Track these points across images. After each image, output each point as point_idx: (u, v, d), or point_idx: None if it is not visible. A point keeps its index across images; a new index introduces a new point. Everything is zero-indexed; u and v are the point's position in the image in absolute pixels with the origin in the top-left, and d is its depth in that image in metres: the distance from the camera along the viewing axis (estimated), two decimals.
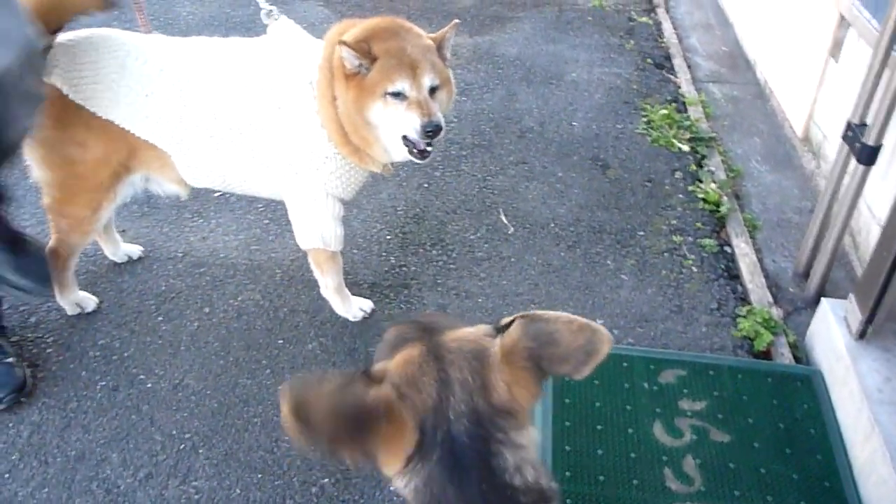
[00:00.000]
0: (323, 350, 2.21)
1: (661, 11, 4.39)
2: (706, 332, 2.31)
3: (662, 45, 4.02)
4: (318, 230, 2.10)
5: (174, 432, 1.98)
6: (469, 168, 2.97)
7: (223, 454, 1.92)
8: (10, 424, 1.99)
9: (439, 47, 1.92)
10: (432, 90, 1.87)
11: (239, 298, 2.37)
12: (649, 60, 3.84)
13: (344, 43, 1.79)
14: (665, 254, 2.60)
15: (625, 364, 2.16)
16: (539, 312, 0.97)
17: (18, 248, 2.15)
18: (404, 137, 1.88)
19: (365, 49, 1.80)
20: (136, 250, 2.51)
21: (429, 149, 1.91)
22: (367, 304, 2.34)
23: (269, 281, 2.44)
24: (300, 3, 4.25)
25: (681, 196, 2.87)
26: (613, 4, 4.44)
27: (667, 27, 4.21)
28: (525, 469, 0.92)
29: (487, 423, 0.91)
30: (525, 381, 0.94)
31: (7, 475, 1.87)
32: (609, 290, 2.45)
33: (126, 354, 2.18)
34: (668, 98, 3.51)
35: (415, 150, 1.90)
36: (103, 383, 2.10)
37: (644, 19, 4.29)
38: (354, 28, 1.88)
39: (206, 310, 2.33)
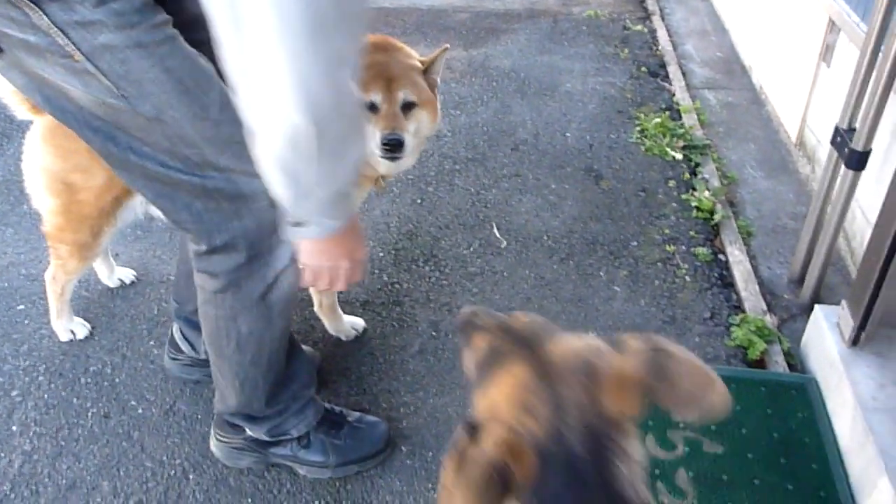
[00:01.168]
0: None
1: (656, 19, 4.39)
2: (699, 342, 2.29)
3: (657, 52, 4.01)
4: None
5: (165, 458, 1.97)
6: (462, 182, 2.97)
7: (213, 480, 1.92)
8: (2, 454, 1.99)
9: (427, 70, 1.90)
10: (408, 106, 1.85)
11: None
12: (644, 69, 3.83)
13: None
14: (658, 264, 2.58)
15: None
16: (667, 346, 0.93)
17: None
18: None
19: None
20: (128, 274, 2.52)
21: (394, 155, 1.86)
22: (360, 323, 2.33)
23: None
24: None
25: (674, 205, 2.86)
26: (608, 13, 4.44)
27: (662, 35, 4.20)
28: (637, 484, 0.89)
29: (601, 436, 0.89)
30: (629, 402, 0.91)
31: None
32: (602, 301, 2.43)
33: (117, 380, 2.19)
34: (663, 106, 3.50)
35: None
36: (94, 410, 2.10)
37: (639, 27, 4.28)
38: None
39: None
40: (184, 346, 2.13)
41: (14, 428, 2.06)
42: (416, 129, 1.89)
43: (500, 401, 0.91)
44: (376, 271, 2.56)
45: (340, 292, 2.37)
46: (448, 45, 2.00)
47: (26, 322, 2.37)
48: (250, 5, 0.94)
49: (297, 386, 1.85)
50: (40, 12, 1.20)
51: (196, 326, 2.03)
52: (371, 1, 4.53)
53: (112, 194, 2.02)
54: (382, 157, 1.85)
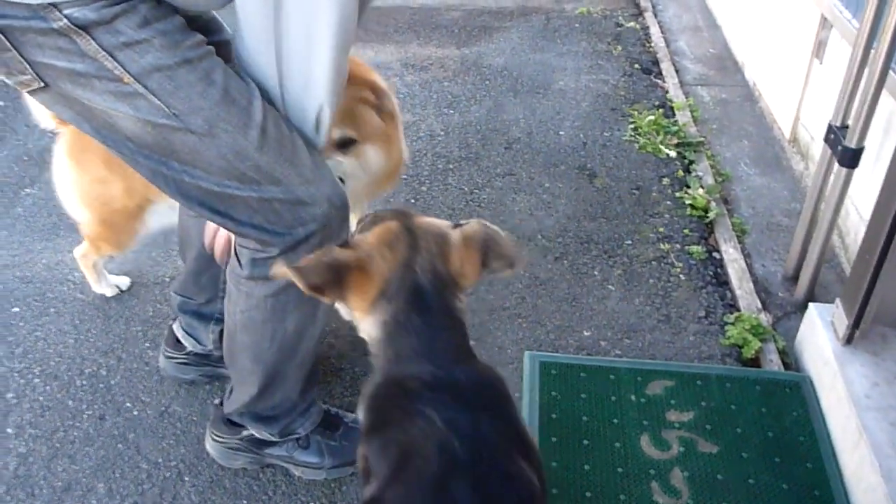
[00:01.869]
0: None
1: (648, 16, 4.39)
2: (694, 340, 2.29)
3: (650, 49, 4.02)
4: None
5: (160, 460, 1.97)
6: (456, 182, 2.97)
7: (209, 481, 1.92)
8: None
9: (378, 100, 1.79)
10: (347, 143, 1.74)
11: None
12: (637, 66, 3.83)
13: None
14: (652, 262, 2.59)
15: (612, 377, 2.14)
16: (491, 226, 1.29)
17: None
18: None
19: None
20: (124, 281, 2.51)
21: None
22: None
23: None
24: None
25: (668, 203, 2.86)
26: (601, 10, 4.44)
27: (654, 31, 4.20)
28: (465, 315, 1.27)
29: (445, 279, 1.22)
30: (473, 262, 1.24)
31: None
32: (596, 301, 2.44)
33: (113, 382, 2.18)
34: (656, 103, 3.50)
35: None
36: (90, 412, 2.10)
37: (631, 24, 4.28)
38: None
39: None
40: (187, 342, 2.13)
41: (9, 430, 2.05)
42: (355, 168, 1.77)
43: (370, 238, 1.25)
44: None
45: None
46: (396, 82, 1.94)
47: (21, 324, 2.37)
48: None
49: (309, 384, 1.85)
50: (88, 37, 1.22)
51: (205, 318, 2.08)
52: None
53: (135, 201, 2.09)
54: None
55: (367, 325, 1.25)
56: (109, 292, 2.46)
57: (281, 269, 1.18)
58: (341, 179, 1.75)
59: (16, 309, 2.43)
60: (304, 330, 1.68)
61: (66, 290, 2.49)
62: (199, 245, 1.96)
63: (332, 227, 1.52)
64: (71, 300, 2.45)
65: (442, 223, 1.29)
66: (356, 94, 1.75)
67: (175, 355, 2.16)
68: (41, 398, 2.14)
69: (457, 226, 1.28)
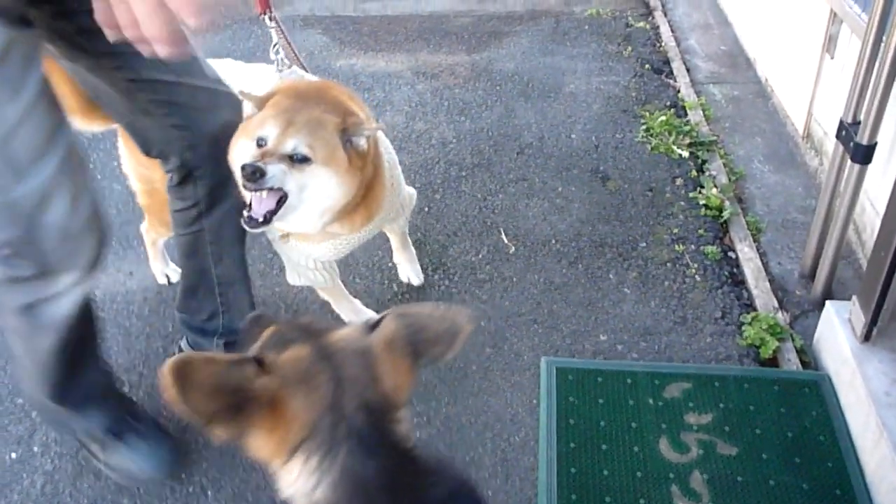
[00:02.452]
0: None
1: (658, 15, 4.38)
2: (711, 342, 2.29)
3: (660, 49, 4.01)
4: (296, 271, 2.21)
5: (183, 475, 2.00)
6: (469, 188, 2.98)
7: (231, 495, 1.94)
8: (24, 475, 2.02)
9: (349, 130, 1.74)
10: (301, 160, 1.70)
11: None
12: (647, 66, 3.83)
13: (244, 94, 1.78)
14: (668, 264, 2.58)
15: (629, 380, 2.14)
16: (405, 307, 1.11)
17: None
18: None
19: (261, 104, 1.77)
20: (174, 274, 2.59)
21: (253, 215, 1.72)
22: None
23: (276, 315, 2.45)
24: (300, 32, 4.30)
25: (682, 203, 2.85)
26: (610, 11, 4.44)
27: (664, 30, 4.19)
28: (409, 434, 1.05)
29: (381, 408, 1.01)
30: (404, 370, 1.04)
31: None
32: (612, 304, 2.44)
33: (136, 399, 2.21)
34: (668, 103, 3.49)
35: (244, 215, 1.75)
36: None
37: (641, 24, 4.27)
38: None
39: None
40: None
41: (35, 448, 2.09)
42: (303, 186, 1.71)
43: (281, 368, 1.00)
44: (386, 281, 2.57)
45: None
46: (383, 125, 1.95)
47: None
48: None
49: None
50: None
51: (208, 333, 2.12)
52: (372, 9, 4.56)
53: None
54: (243, 187, 1.71)
55: (300, 487, 0.99)
56: (160, 277, 2.60)
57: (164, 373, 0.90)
58: (284, 196, 1.73)
59: None
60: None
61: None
62: (183, 263, 2.03)
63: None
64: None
65: (355, 332, 1.06)
66: (327, 119, 1.73)
67: None
68: None
69: (373, 326, 1.07)
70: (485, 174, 3.06)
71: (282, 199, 1.73)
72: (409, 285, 2.54)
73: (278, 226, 1.88)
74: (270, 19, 2.01)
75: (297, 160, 1.70)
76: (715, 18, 4.36)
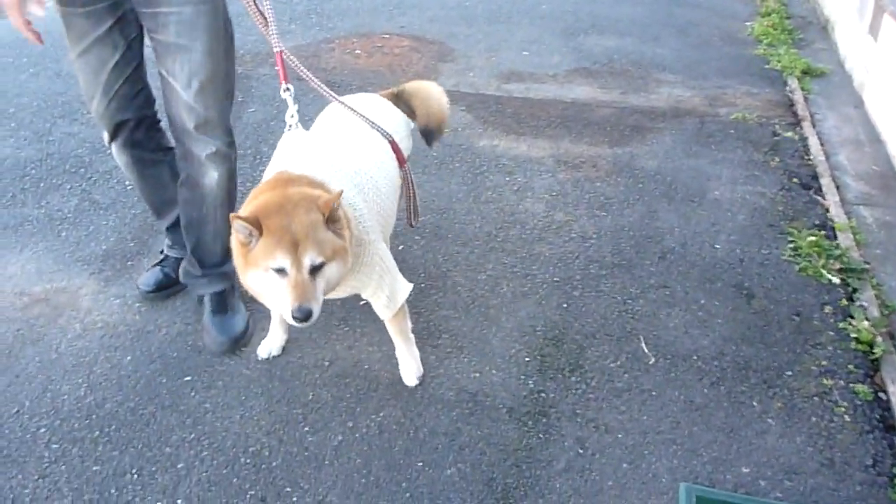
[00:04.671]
0: (461, 477, 2.23)
1: (806, 126, 4.31)
2: (861, 491, 2.19)
3: (809, 162, 3.93)
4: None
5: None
6: (608, 289, 2.98)
7: None
8: None
9: (330, 217, 1.98)
10: (316, 268, 1.96)
11: (381, 414, 2.44)
12: (795, 180, 3.76)
13: (237, 217, 1.94)
14: (815, 398, 2.50)
15: None
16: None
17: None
18: None
19: (255, 223, 1.94)
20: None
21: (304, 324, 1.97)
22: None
23: (410, 398, 2.49)
24: None
25: (831, 333, 2.77)
26: (756, 117, 4.39)
27: (813, 143, 4.11)
28: None
29: None
30: None
31: None
32: (755, 435, 2.37)
33: (274, 464, 2.28)
34: (816, 222, 3.41)
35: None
36: (252, 493, 2.19)
37: (789, 134, 4.21)
38: (251, 199, 2.09)
39: (350, 423, 2.41)
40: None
41: (179, 502, 2.17)
42: (326, 285, 2.01)
43: None
44: (522, 377, 2.58)
45: (486, 396, 2.41)
46: (342, 190, 2.05)
47: (192, 394, 2.51)
48: None
49: None
50: None
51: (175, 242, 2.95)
52: (515, 90, 4.66)
53: None
54: (293, 324, 1.99)
55: None
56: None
57: None
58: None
59: (188, 378, 2.58)
60: None
61: (234, 363, 2.63)
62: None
63: None
64: (237, 375, 2.58)
65: None
66: (314, 220, 1.96)
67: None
68: (208, 472, 2.25)
69: None
70: (625, 276, 3.05)
71: None
72: (545, 383, 2.54)
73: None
74: (286, 90, 2.34)
75: (314, 269, 1.96)
76: (866, 134, 4.26)
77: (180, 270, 2.82)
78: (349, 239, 2.07)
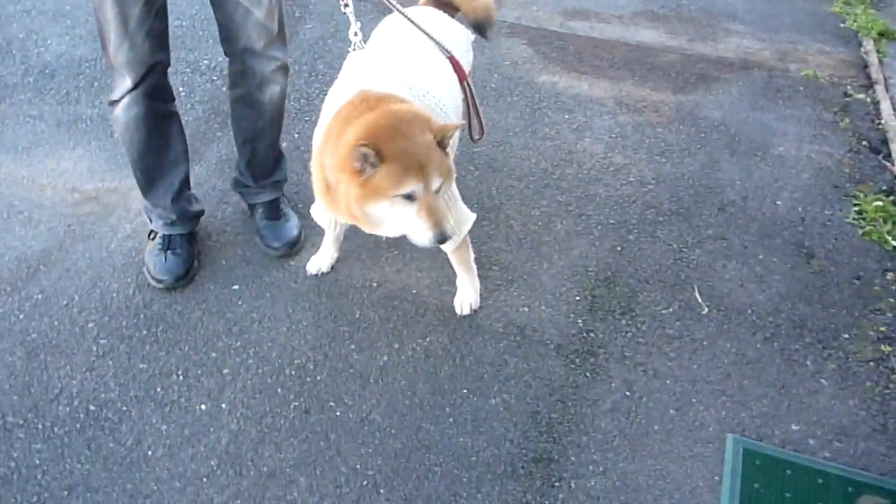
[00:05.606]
0: (506, 407, 2.22)
1: (879, 89, 4.13)
2: None
3: (879, 127, 3.78)
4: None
5: (358, 467, 2.04)
6: (664, 236, 2.90)
7: (403, 498, 1.97)
8: (211, 430, 2.12)
9: (440, 142, 1.93)
10: (438, 189, 1.92)
11: (427, 339, 2.42)
12: (864, 143, 3.62)
13: (361, 144, 1.81)
14: (871, 363, 2.43)
15: (820, 480, 2.03)
16: None
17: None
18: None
19: (376, 149, 1.82)
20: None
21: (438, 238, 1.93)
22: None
23: (458, 326, 2.47)
24: (505, 39, 4.30)
25: (892, 300, 2.68)
26: (828, 76, 4.22)
27: (885, 107, 3.94)
28: None
29: None
30: None
31: (205, 479, 2.00)
32: (807, 393, 2.32)
33: (319, 378, 2.28)
34: (884, 188, 3.29)
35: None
36: (296, 404, 2.20)
37: (861, 96, 4.04)
38: (357, 124, 1.92)
39: (396, 345, 2.39)
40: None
41: (223, 406, 2.18)
42: (448, 203, 2.06)
43: None
44: (571, 315, 2.54)
45: (534, 331, 2.38)
46: (462, 123, 2.03)
47: (240, 303, 2.51)
48: None
49: None
50: None
51: (242, 174, 2.76)
52: (578, 28, 4.52)
53: None
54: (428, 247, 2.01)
55: None
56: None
57: None
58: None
59: (235, 286, 2.57)
60: None
61: (283, 276, 2.62)
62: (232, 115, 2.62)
63: None
64: (286, 287, 2.57)
65: None
66: (431, 142, 1.90)
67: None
68: (253, 380, 2.26)
69: None
70: (682, 224, 2.97)
71: None
72: (595, 323, 2.50)
73: None
74: (346, 6, 2.21)
75: (437, 189, 1.93)
76: None
77: (232, 183, 2.79)
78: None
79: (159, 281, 2.52)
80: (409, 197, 1.86)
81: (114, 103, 2.36)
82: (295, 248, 2.68)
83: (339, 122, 1.97)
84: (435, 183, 1.88)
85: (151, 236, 2.62)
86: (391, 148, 1.83)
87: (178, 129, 2.53)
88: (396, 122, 1.89)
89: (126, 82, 2.28)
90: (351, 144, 1.83)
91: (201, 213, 2.71)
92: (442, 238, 1.89)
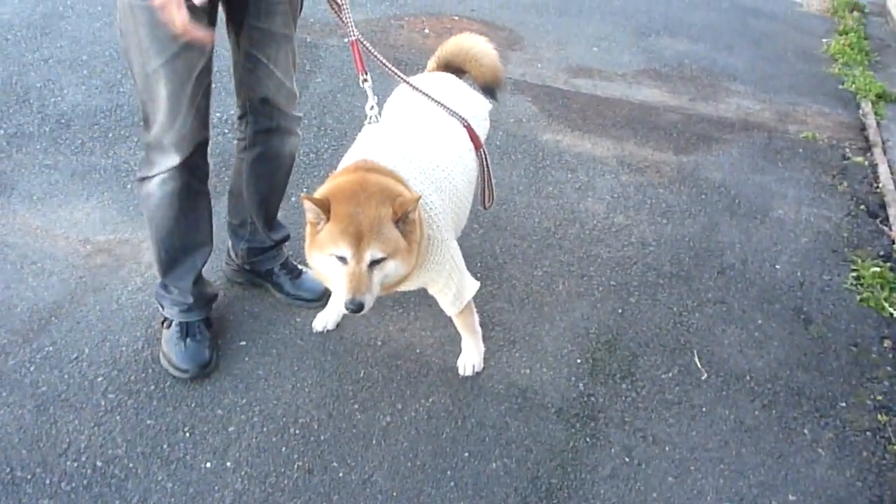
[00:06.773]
0: (506, 472, 2.25)
1: (877, 151, 4.22)
2: None
3: (877, 190, 3.86)
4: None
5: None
6: (665, 299, 2.95)
7: None
8: (216, 488, 2.14)
9: (403, 218, 1.96)
10: (376, 262, 1.95)
11: (430, 399, 2.46)
12: (862, 206, 3.69)
13: (307, 198, 1.96)
14: (867, 433, 2.47)
15: None
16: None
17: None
18: None
19: (325, 207, 1.95)
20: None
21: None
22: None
23: (461, 387, 2.51)
24: (510, 96, 4.40)
25: (889, 368, 2.72)
26: (826, 138, 4.31)
27: (883, 170, 4.03)
28: None
29: None
30: None
31: None
32: (804, 463, 2.35)
33: (322, 438, 2.31)
34: (881, 253, 3.35)
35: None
36: (300, 463, 2.23)
37: (859, 159, 4.13)
38: (330, 181, 2.11)
39: (399, 406, 2.43)
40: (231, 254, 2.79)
41: (228, 464, 2.21)
42: (382, 279, 2.01)
43: None
44: (573, 378, 2.58)
45: (535, 394, 2.41)
46: (420, 196, 2.03)
47: (246, 359, 2.55)
48: None
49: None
50: None
51: (237, 237, 2.74)
52: (582, 86, 4.62)
53: None
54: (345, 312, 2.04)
55: None
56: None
57: None
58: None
59: (242, 343, 2.62)
60: None
61: (289, 333, 2.66)
62: (234, 179, 2.65)
63: None
64: (292, 345, 2.62)
65: None
66: (383, 215, 1.94)
67: (229, 262, 2.83)
68: (258, 438, 2.29)
69: None
70: (683, 287, 3.03)
71: None
72: (595, 387, 2.54)
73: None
74: (364, 80, 2.28)
75: (375, 261, 1.96)
76: None
77: (243, 254, 2.76)
78: (418, 241, 2.05)
79: (184, 371, 2.42)
80: (342, 259, 1.96)
81: (146, 179, 2.30)
82: (324, 299, 2.72)
83: (328, 182, 2.12)
84: (368, 254, 1.93)
85: (166, 325, 2.51)
86: (340, 209, 1.95)
87: (207, 210, 2.47)
88: (358, 189, 1.99)
89: (170, 160, 2.23)
90: (307, 199, 1.97)
91: (216, 296, 2.65)
92: (355, 308, 1.94)
